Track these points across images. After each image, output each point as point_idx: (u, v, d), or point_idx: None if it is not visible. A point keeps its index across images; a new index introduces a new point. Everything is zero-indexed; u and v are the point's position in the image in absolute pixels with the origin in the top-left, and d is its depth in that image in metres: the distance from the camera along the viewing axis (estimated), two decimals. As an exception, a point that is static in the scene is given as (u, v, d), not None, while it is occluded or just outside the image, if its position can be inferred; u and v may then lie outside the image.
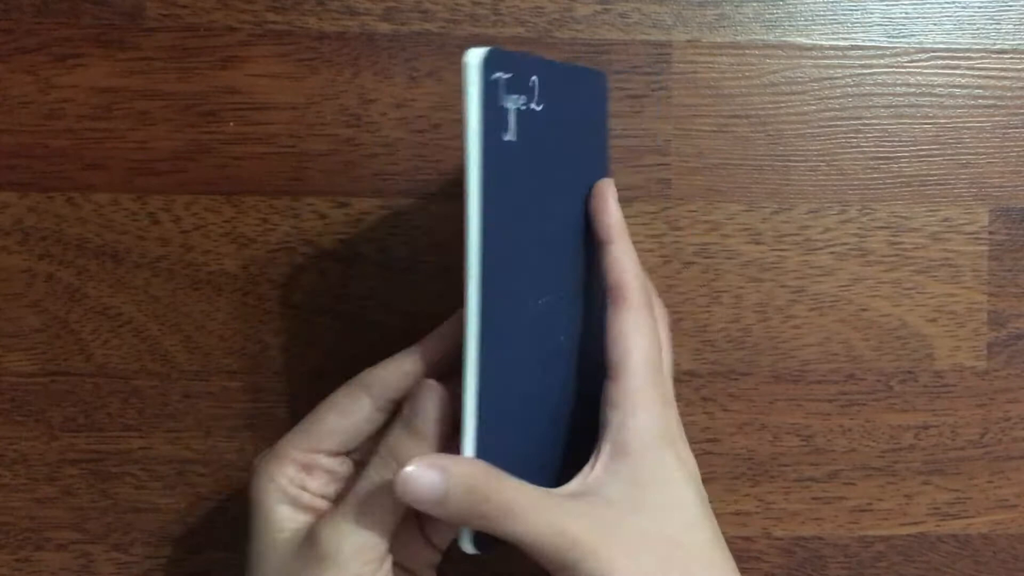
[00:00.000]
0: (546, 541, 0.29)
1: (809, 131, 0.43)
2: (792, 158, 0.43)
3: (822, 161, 0.43)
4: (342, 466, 0.35)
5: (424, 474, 0.29)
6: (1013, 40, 0.43)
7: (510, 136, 0.30)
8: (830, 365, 0.43)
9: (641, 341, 0.32)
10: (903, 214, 0.43)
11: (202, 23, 0.40)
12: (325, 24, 0.41)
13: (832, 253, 0.43)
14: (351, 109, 0.41)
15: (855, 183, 0.43)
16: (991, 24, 0.43)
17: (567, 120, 0.34)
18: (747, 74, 0.42)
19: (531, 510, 0.29)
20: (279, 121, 0.41)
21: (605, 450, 0.32)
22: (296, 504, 0.33)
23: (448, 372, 0.34)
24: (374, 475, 0.32)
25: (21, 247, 0.41)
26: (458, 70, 0.41)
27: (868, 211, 0.43)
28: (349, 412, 0.34)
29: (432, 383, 0.32)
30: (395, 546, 0.33)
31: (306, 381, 0.42)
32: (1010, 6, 0.43)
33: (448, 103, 0.41)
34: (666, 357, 0.35)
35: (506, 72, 0.30)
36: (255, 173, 0.41)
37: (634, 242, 0.42)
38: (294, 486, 0.33)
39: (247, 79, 0.41)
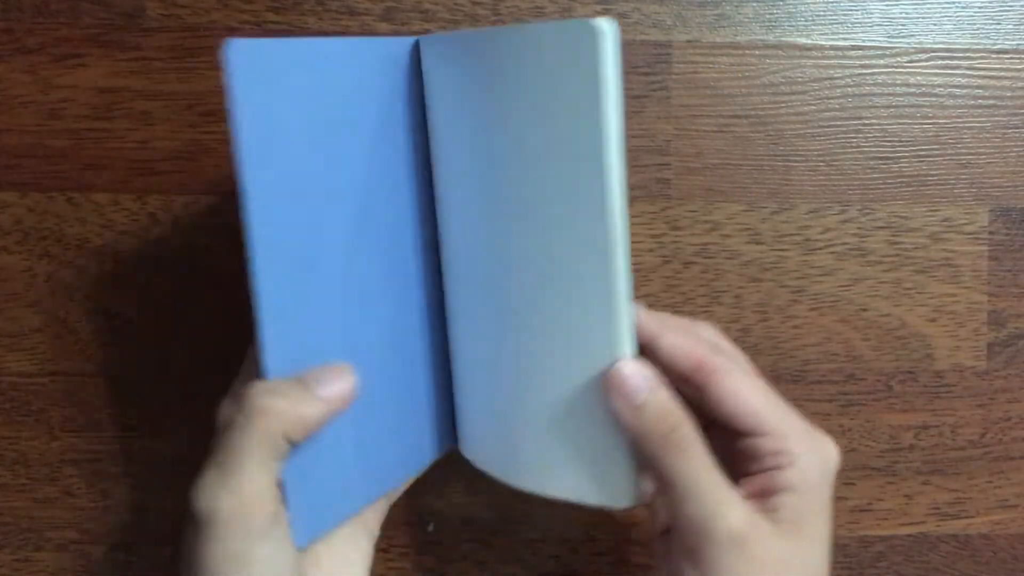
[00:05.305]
0: (703, 499, 0.30)
1: (809, 131, 0.43)
2: (792, 158, 0.43)
3: (822, 161, 0.43)
4: None
5: (636, 374, 0.30)
6: (1013, 40, 0.43)
7: None
8: (830, 365, 0.43)
9: (757, 393, 0.32)
10: (903, 214, 0.43)
11: (202, 23, 0.40)
12: (325, 24, 0.41)
13: (832, 253, 0.43)
14: (351, 109, 0.41)
15: (855, 183, 0.43)
16: (991, 24, 0.43)
17: None
18: (747, 74, 0.42)
19: (704, 469, 0.30)
20: (279, 121, 0.41)
21: (783, 480, 0.31)
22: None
23: None
24: (242, 420, 0.29)
25: (21, 247, 0.41)
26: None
27: (868, 211, 0.43)
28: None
29: None
30: None
31: (306, 381, 0.41)
32: (1010, 6, 0.43)
33: (448, 103, 0.41)
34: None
35: None
36: (255, 173, 0.41)
37: (634, 242, 0.42)
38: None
39: (247, 79, 0.41)
